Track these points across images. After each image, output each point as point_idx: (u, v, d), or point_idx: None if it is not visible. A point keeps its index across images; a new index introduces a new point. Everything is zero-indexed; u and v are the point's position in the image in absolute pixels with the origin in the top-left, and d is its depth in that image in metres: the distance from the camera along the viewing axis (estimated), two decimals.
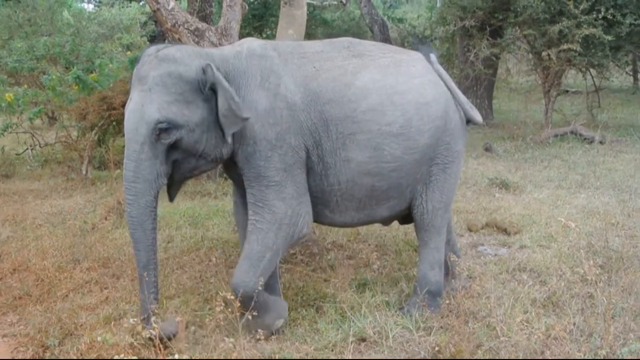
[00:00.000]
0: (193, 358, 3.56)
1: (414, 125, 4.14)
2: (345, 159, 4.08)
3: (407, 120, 4.12)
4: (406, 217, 4.68)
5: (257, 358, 3.84)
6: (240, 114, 3.77)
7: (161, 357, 3.52)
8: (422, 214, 4.42)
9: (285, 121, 3.95)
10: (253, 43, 4.13)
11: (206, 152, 3.90)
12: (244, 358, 3.70)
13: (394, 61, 4.28)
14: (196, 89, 3.80)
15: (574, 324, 4.06)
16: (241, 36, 5.87)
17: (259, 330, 3.92)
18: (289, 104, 3.96)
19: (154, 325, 3.54)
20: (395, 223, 5.00)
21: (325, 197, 4.19)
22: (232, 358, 3.64)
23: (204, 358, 3.68)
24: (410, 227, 5.75)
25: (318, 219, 4.36)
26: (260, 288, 3.92)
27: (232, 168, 4.18)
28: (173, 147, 3.81)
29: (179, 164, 3.92)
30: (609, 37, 10.23)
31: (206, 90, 3.81)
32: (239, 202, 4.43)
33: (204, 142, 3.86)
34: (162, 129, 3.72)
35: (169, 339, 3.76)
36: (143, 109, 3.73)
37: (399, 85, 4.15)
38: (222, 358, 3.76)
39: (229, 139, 3.86)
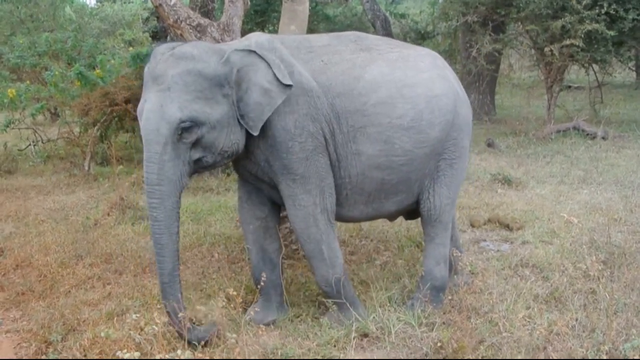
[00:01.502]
0: (195, 357, 3.55)
1: (424, 118, 4.14)
2: (355, 152, 4.08)
3: (418, 113, 4.12)
4: (412, 212, 4.68)
5: (259, 357, 3.84)
6: (286, 81, 3.82)
7: (164, 353, 3.52)
8: (429, 209, 4.42)
9: (302, 107, 3.94)
10: (260, 37, 4.12)
11: (225, 148, 3.87)
12: (246, 353, 3.70)
13: (402, 55, 4.27)
14: (215, 85, 3.77)
15: (577, 319, 4.06)
16: (243, 32, 5.86)
17: (333, 323, 4.13)
18: (306, 90, 3.95)
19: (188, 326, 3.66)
20: (399, 219, 5.00)
21: (335, 190, 4.17)
22: (235, 354, 3.64)
23: (206, 358, 3.67)
24: (412, 223, 5.77)
25: None
26: (338, 275, 4.17)
27: (241, 162, 4.17)
28: (193, 145, 3.78)
29: (197, 161, 3.90)
30: (612, 33, 10.21)
31: (232, 79, 3.80)
32: (243, 198, 4.42)
33: (223, 138, 3.83)
34: (184, 128, 3.68)
35: (199, 342, 3.77)
36: (163, 109, 3.67)
37: (408, 79, 4.15)
38: (224, 356, 3.76)
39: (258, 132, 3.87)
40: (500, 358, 3.69)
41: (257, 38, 4.11)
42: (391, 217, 4.82)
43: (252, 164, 4.11)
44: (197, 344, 3.72)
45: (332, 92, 4.01)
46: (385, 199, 4.34)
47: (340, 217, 4.42)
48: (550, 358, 3.59)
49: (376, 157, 4.10)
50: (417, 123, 4.12)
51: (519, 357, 3.63)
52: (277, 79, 3.82)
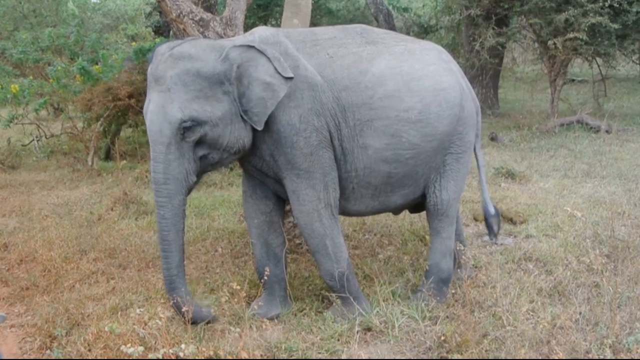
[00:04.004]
0: (199, 351, 3.55)
1: (432, 111, 4.13)
2: (362, 145, 4.07)
3: (425, 106, 4.10)
4: (416, 206, 4.68)
5: (263, 351, 3.84)
6: (287, 74, 3.82)
7: (168, 347, 3.53)
8: (436, 204, 4.41)
9: (307, 102, 3.94)
10: (265, 31, 4.11)
11: (230, 145, 3.88)
12: (250, 347, 3.70)
13: (408, 49, 4.26)
14: (215, 82, 3.78)
15: (580, 313, 4.06)
16: (246, 26, 5.85)
17: (337, 318, 4.14)
18: (311, 85, 3.95)
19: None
20: (403, 213, 5.00)
21: (341, 184, 4.17)
22: (238, 348, 3.64)
23: (210, 352, 3.67)
24: (416, 217, 5.77)
25: None
26: (343, 270, 4.16)
27: (246, 157, 4.15)
28: (198, 143, 3.80)
29: (203, 159, 3.92)
30: (616, 26, 10.18)
31: (233, 76, 3.80)
32: (248, 192, 4.42)
33: (227, 135, 3.84)
34: (186, 128, 3.70)
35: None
36: (165, 109, 3.70)
37: (414, 72, 4.13)
38: (228, 350, 3.76)
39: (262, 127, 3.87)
40: (503, 352, 3.69)
41: (261, 32, 4.10)
42: (397, 210, 4.81)
43: (257, 158, 4.11)
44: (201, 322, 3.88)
45: (338, 85, 4.00)
46: (391, 192, 4.33)
47: (346, 211, 4.42)
48: (554, 352, 3.59)
49: (383, 150, 4.09)
50: (424, 116, 4.11)
51: (523, 351, 3.62)
52: (278, 72, 3.82)
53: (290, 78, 3.84)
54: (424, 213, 4.69)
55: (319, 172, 4.01)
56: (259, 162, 4.12)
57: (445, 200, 4.40)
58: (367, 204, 4.35)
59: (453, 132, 4.28)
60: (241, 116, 3.85)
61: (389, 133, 4.06)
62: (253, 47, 3.86)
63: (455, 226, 4.58)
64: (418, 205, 4.66)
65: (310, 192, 4.03)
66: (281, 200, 4.42)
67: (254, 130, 3.92)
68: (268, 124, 3.90)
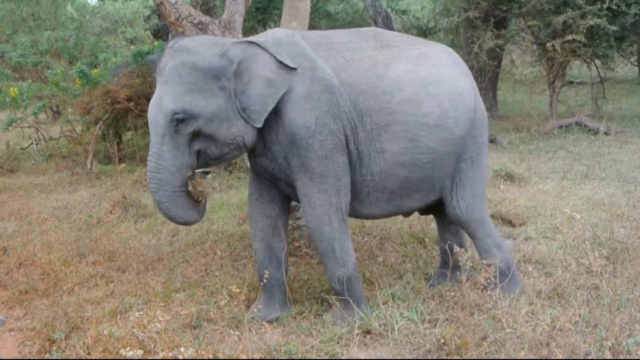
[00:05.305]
0: (199, 354, 3.55)
1: (450, 116, 4.14)
2: (379, 149, 4.06)
3: (444, 111, 4.11)
4: (428, 208, 4.68)
5: (262, 354, 3.84)
6: (292, 64, 3.84)
7: (167, 351, 3.53)
8: (455, 214, 4.43)
9: (324, 104, 3.92)
10: (279, 32, 4.12)
11: (227, 140, 3.88)
12: (250, 351, 3.70)
13: (423, 52, 4.26)
14: (210, 77, 3.78)
15: (580, 315, 4.05)
16: (244, 29, 5.86)
17: (336, 320, 4.13)
18: (328, 87, 3.94)
19: None
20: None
21: (356, 188, 4.16)
22: (238, 351, 3.64)
23: (210, 355, 3.67)
24: (415, 219, 5.78)
25: None
26: (349, 273, 4.15)
27: (257, 159, 4.15)
28: (195, 137, 3.81)
29: (202, 152, 3.91)
30: (614, 28, 10.19)
31: (231, 73, 3.80)
32: (254, 195, 4.39)
33: (224, 130, 3.84)
34: (179, 120, 3.72)
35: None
36: (161, 100, 3.76)
37: (432, 77, 4.14)
38: (227, 353, 3.76)
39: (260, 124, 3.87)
40: (503, 354, 3.69)
41: (275, 33, 4.11)
42: (407, 213, 4.80)
43: (269, 160, 4.09)
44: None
45: (355, 90, 3.99)
46: (407, 196, 4.33)
47: (359, 214, 4.41)
48: (553, 354, 3.59)
49: (401, 155, 4.09)
50: (443, 121, 4.11)
51: (522, 353, 3.62)
52: (283, 65, 3.83)
53: (294, 69, 3.85)
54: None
55: (332, 177, 4.00)
56: (271, 164, 4.10)
57: (464, 209, 4.41)
58: (382, 207, 4.34)
59: (467, 135, 4.29)
60: (240, 113, 3.86)
61: (407, 138, 4.06)
62: (254, 43, 3.87)
63: (489, 223, 4.60)
64: (429, 207, 4.66)
65: (322, 196, 4.02)
66: (287, 205, 4.42)
67: (264, 131, 3.93)
68: (283, 125, 3.90)
